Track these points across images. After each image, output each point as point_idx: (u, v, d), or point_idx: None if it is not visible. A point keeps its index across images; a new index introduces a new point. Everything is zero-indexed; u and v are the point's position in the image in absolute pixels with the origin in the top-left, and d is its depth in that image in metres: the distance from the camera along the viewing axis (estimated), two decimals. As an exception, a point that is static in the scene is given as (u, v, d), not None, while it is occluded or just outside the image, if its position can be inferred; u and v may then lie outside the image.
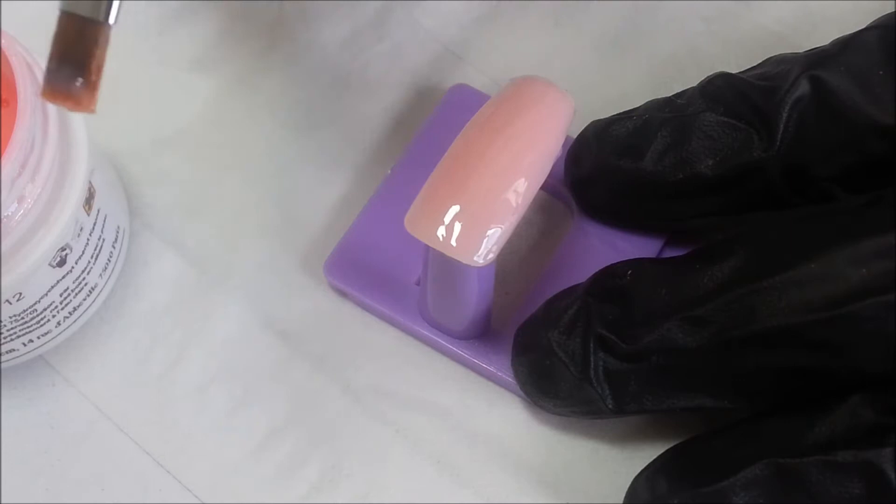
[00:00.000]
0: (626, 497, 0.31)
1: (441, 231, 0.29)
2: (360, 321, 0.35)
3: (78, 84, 0.26)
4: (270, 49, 0.39)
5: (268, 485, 0.34)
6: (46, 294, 0.32)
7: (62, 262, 0.32)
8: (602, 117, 0.34)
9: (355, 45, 0.39)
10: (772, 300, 0.28)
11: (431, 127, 0.36)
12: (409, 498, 0.33)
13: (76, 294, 0.34)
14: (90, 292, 0.34)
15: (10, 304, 0.32)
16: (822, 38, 0.33)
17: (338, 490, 0.34)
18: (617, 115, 0.34)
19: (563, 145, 0.31)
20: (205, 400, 0.35)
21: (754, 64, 0.33)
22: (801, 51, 0.33)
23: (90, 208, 0.33)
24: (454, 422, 0.34)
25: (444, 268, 0.31)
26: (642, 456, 0.33)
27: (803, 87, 0.31)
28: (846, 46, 0.31)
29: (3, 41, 0.30)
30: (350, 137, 0.38)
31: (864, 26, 0.32)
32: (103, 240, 0.34)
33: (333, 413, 0.34)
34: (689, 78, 0.34)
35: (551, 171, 0.30)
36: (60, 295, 0.33)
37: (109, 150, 0.37)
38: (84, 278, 0.33)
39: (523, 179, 0.29)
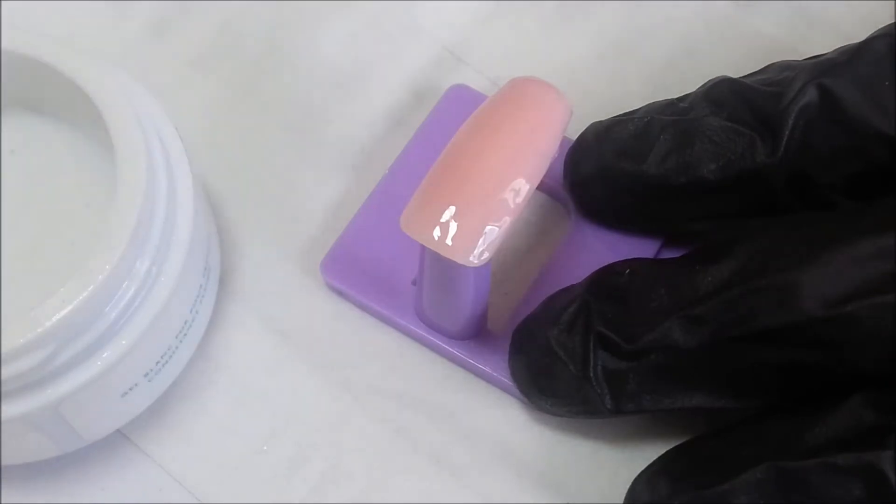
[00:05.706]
0: (626, 498, 0.31)
1: (437, 231, 0.29)
2: (361, 321, 0.35)
3: None
4: (270, 49, 0.39)
5: (268, 485, 0.34)
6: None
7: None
8: (601, 119, 0.34)
9: (354, 46, 0.39)
10: (771, 300, 0.28)
11: (429, 127, 0.36)
12: (409, 498, 0.33)
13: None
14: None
15: None
16: (820, 41, 0.33)
17: (338, 490, 0.34)
18: (617, 116, 0.34)
19: (562, 146, 0.31)
20: (204, 400, 0.35)
21: (753, 66, 0.33)
22: (799, 54, 0.32)
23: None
24: (454, 422, 0.34)
25: (440, 268, 0.31)
26: (642, 456, 0.33)
27: (810, 95, 0.31)
28: (854, 55, 0.31)
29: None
30: (349, 138, 0.38)
31: (860, 29, 0.32)
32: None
33: (333, 413, 0.34)
34: (689, 80, 0.34)
35: (549, 171, 0.30)
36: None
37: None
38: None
39: (520, 179, 0.29)
